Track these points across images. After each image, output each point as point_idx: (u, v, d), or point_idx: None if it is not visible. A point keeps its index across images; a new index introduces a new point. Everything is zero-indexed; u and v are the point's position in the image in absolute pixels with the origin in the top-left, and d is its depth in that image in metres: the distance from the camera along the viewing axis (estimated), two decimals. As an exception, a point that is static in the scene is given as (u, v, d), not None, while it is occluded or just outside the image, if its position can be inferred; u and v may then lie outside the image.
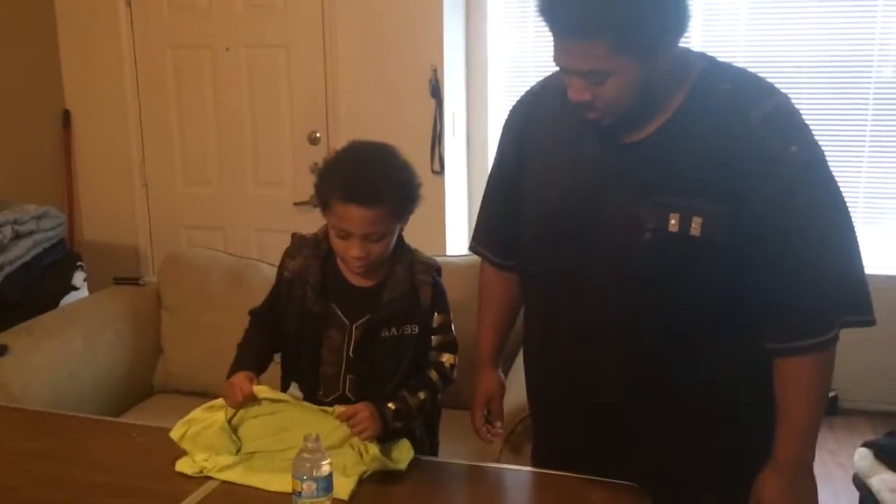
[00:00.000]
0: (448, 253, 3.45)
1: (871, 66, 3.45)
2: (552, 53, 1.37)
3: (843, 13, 3.44)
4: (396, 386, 1.67)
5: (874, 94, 3.47)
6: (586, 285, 1.47)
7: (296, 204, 3.64)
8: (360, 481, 1.53)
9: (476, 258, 2.77)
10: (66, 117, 3.95)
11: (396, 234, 1.68)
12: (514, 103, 1.66)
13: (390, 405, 1.61)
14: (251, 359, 1.70)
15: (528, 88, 1.65)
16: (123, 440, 1.75)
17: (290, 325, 1.73)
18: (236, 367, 1.68)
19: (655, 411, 1.50)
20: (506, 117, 1.66)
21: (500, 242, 1.71)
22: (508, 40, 3.74)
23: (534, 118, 1.59)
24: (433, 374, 1.72)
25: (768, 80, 1.42)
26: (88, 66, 3.88)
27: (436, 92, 3.47)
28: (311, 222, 1.84)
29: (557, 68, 1.41)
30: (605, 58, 1.30)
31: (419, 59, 3.46)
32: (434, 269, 1.76)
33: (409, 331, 1.70)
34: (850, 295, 1.43)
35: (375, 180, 1.59)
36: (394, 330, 1.69)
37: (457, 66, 3.63)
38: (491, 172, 1.71)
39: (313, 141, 3.65)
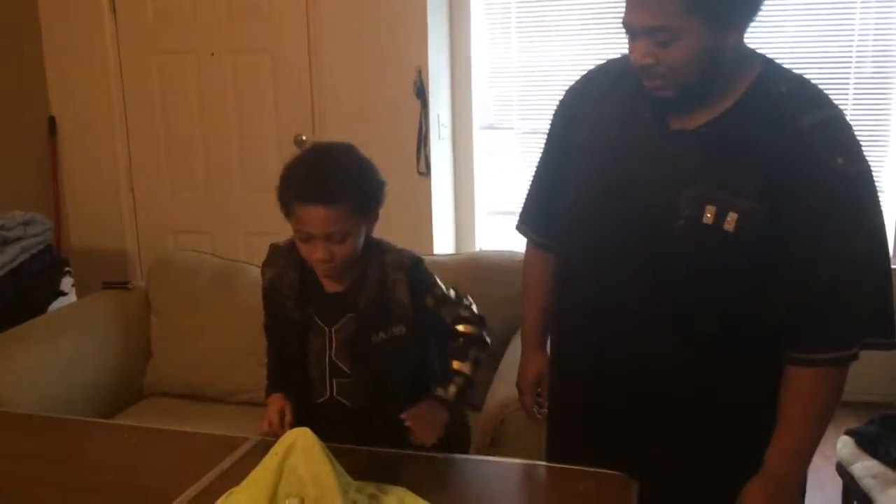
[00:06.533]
0: (435, 253, 3.46)
1: (850, 62, 3.49)
2: (623, 15, 1.36)
3: (820, 9, 3.48)
4: (404, 389, 1.69)
5: (854, 90, 3.51)
6: (610, 265, 1.47)
7: (283, 206, 3.65)
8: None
9: (462, 258, 2.82)
10: (52, 124, 3.95)
11: (362, 234, 1.63)
12: (570, 85, 1.64)
13: (444, 390, 1.67)
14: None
15: (585, 72, 1.63)
16: (115, 441, 1.76)
17: (277, 331, 1.76)
18: (271, 383, 1.76)
19: (659, 397, 1.48)
20: (561, 98, 1.65)
21: (542, 221, 1.70)
22: (492, 42, 3.77)
23: (585, 98, 1.59)
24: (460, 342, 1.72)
25: (825, 92, 1.40)
26: (73, 73, 3.89)
27: (421, 93, 3.49)
28: (298, 223, 1.85)
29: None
30: (677, 16, 1.30)
31: (404, 61, 3.48)
32: (407, 265, 1.68)
33: (398, 332, 1.66)
34: (876, 316, 1.39)
35: (329, 178, 1.56)
36: (382, 334, 1.66)
37: (441, 68, 3.65)
38: (542, 153, 1.70)
39: (299, 144, 3.66)
